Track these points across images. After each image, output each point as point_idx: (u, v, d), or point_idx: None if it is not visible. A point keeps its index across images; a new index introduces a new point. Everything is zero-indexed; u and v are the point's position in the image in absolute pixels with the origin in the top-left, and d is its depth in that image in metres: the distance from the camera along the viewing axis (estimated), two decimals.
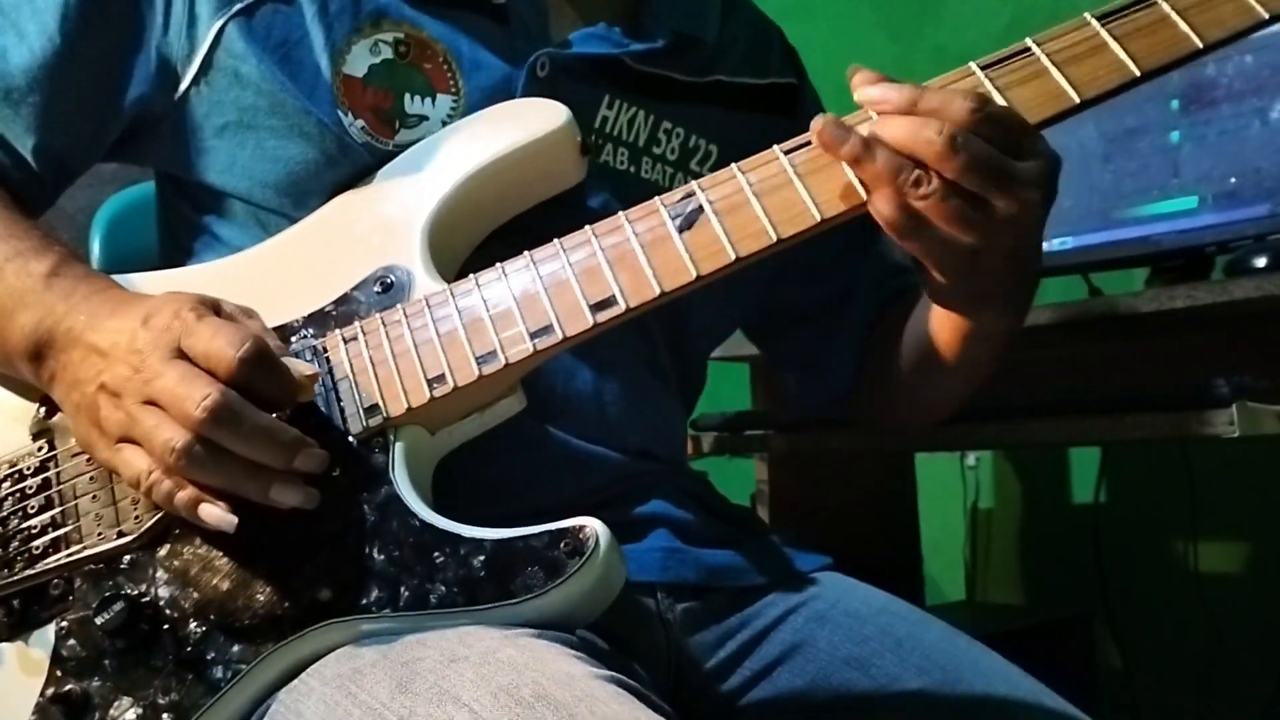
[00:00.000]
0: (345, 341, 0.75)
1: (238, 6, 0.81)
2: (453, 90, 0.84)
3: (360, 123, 0.82)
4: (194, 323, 0.68)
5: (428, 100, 0.84)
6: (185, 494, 0.67)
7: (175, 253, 0.91)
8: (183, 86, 0.83)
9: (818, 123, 0.72)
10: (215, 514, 0.67)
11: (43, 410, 0.78)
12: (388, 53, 0.83)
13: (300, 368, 0.70)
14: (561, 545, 0.67)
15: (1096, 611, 2.04)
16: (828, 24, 2.61)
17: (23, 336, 0.74)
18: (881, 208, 0.70)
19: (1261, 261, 1.42)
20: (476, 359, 0.72)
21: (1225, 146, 1.52)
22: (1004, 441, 1.91)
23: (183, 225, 0.90)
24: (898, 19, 2.48)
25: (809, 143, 0.73)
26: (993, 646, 0.89)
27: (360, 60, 0.83)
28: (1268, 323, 1.46)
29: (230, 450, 0.66)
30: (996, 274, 0.75)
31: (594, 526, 0.68)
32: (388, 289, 0.77)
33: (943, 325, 0.88)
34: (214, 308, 0.71)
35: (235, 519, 0.67)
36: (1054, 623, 1.97)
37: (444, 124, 0.83)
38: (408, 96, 0.83)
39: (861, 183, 0.71)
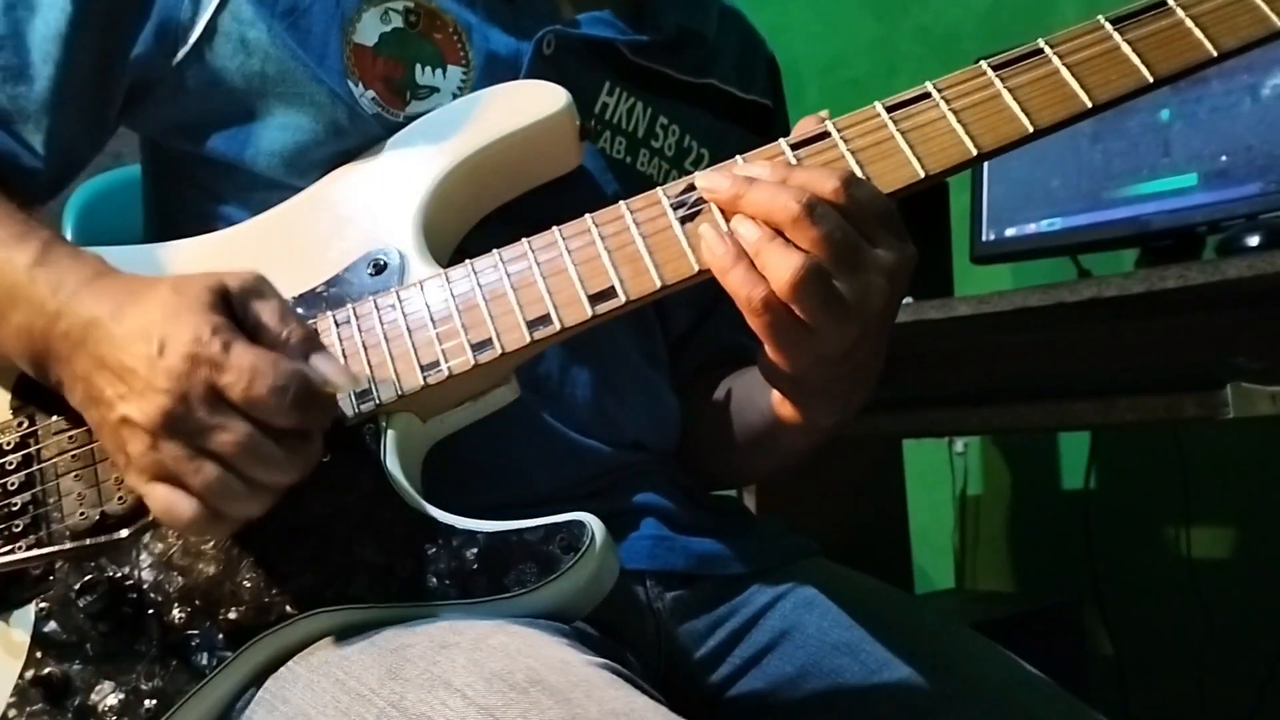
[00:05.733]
0: (337, 324, 0.74)
1: None
2: (463, 61, 0.83)
3: (371, 93, 0.81)
4: (220, 355, 0.62)
5: (438, 71, 0.82)
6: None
7: (164, 227, 0.88)
8: (183, 51, 0.80)
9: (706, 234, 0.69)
10: None
11: (23, 384, 0.75)
12: (398, 21, 0.82)
13: (338, 379, 0.65)
14: (556, 540, 0.66)
15: (1087, 598, 2.04)
16: (809, 5, 2.59)
17: (16, 340, 0.71)
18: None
19: (1254, 240, 1.40)
20: (472, 347, 0.71)
21: (1216, 124, 1.51)
22: (992, 426, 1.90)
23: (172, 199, 0.88)
24: None
25: (812, 139, 0.73)
26: (982, 634, 0.89)
27: (370, 29, 0.81)
28: (1261, 303, 1.45)
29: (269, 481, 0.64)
30: (834, 370, 0.72)
31: (589, 522, 0.67)
32: (380, 270, 0.75)
33: (768, 405, 0.83)
34: (231, 307, 0.66)
35: None
36: (1044, 609, 1.97)
37: (454, 96, 0.82)
38: (418, 67, 0.82)
39: None
